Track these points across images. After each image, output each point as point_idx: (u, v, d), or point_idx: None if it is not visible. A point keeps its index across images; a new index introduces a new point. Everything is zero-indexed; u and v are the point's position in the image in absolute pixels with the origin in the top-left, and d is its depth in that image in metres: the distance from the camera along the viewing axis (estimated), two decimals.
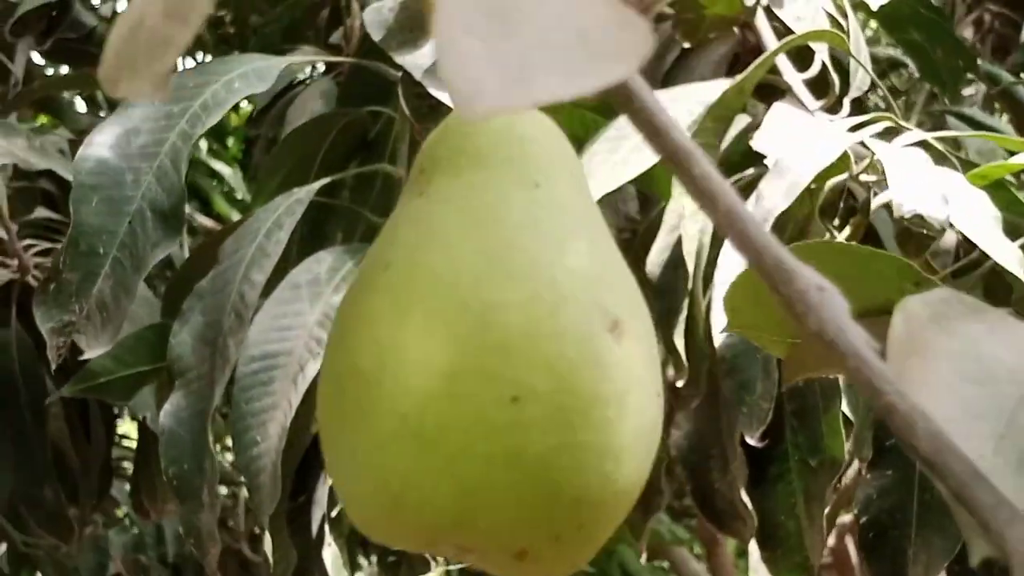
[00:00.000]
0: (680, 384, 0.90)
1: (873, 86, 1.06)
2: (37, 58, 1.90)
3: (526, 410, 0.33)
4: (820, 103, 0.99)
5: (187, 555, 2.57)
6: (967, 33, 1.97)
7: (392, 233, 0.37)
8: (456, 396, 0.33)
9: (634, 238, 1.11)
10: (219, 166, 2.50)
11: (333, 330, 0.37)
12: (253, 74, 0.98)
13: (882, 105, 1.19)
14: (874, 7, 1.19)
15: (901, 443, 0.28)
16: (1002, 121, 1.66)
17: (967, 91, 2.05)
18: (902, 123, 0.93)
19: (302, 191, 0.98)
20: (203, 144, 2.49)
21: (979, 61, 1.68)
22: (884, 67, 1.53)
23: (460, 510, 0.33)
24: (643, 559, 1.08)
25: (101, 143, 0.93)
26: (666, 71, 1.30)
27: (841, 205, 1.01)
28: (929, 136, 0.93)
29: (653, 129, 0.32)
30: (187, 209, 2.35)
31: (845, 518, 1.92)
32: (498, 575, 0.37)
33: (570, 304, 0.34)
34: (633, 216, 1.31)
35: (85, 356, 0.95)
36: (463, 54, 0.26)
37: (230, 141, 2.84)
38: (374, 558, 1.96)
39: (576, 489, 0.34)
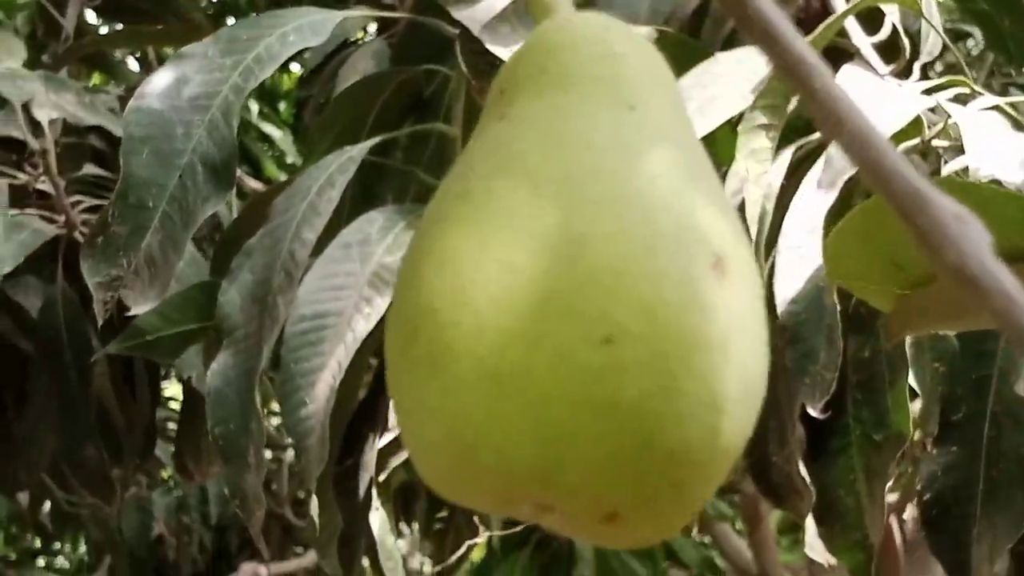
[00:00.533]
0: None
1: (944, 51, 1.02)
2: (92, 18, 1.89)
3: (619, 352, 0.29)
4: (890, 68, 0.96)
5: (231, 517, 2.58)
6: None
7: (469, 161, 0.34)
8: (541, 336, 0.30)
9: None
10: (270, 129, 2.49)
11: (403, 266, 0.34)
12: (308, 27, 0.95)
13: (950, 72, 1.15)
14: None
15: None
16: None
17: None
18: (976, 88, 0.90)
19: (354, 149, 0.95)
20: (254, 107, 2.48)
21: None
22: (951, 37, 1.49)
23: (542, 462, 0.30)
24: (695, 533, 1.05)
25: (152, 94, 0.91)
26: (727, 35, 1.27)
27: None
28: (1003, 101, 0.89)
29: (769, 38, 0.29)
30: (239, 173, 2.34)
31: (890, 497, 1.89)
32: (582, 537, 0.33)
33: (667, 237, 0.31)
34: None
35: (131, 313, 0.93)
36: None
37: (281, 105, 2.83)
38: (416, 525, 1.95)
39: (674, 443, 0.30)
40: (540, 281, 0.30)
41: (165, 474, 2.57)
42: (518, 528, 1.80)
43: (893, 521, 2.06)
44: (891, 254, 0.30)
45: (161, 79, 0.92)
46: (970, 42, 2.05)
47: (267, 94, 2.79)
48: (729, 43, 1.26)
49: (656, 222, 0.31)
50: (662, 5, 1.29)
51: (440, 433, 0.31)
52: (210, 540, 2.69)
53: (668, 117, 0.34)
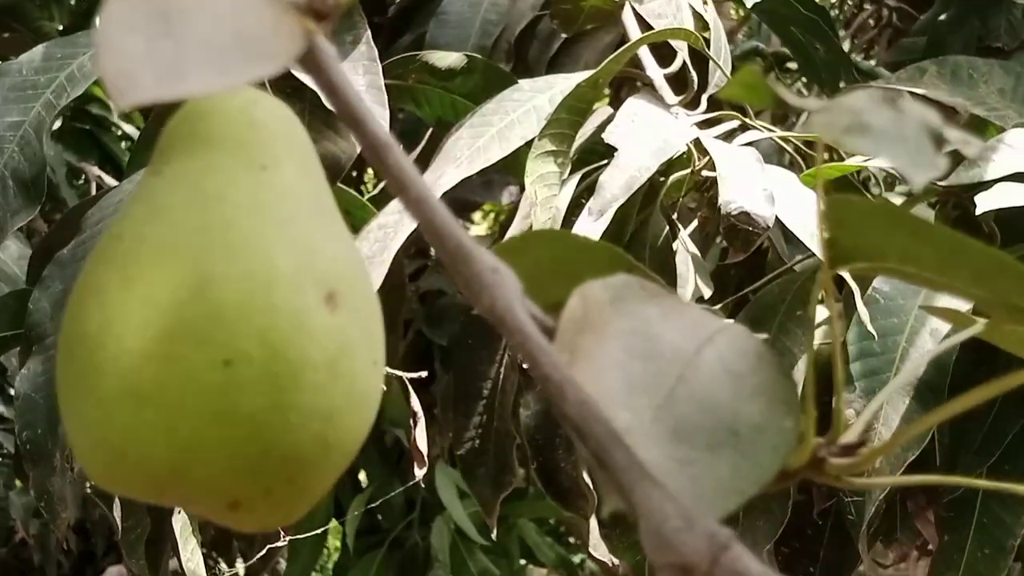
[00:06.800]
0: (527, 365, 0.93)
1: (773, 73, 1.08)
2: None
3: (238, 373, 0.36)
4: (679, 99, 1.02)
5: (95, 520, 2.57)
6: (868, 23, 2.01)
7: (128, 208, 0.40)
8: (172, 358, 0.35)
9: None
10: (132, 130, 2.49)
11: (70, 298, 0.40)
12: None
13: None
14: (748, 3, 1.22)
15: (555, 410, 0.32)
16: None
17: None
18: (749, 121, 0.96)
19: None
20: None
21: (861, 58, 1.72)
22: (772, 62, 1.57)
23: (176, 463, 0.36)
24: (494, 534, 1.10)
25: None
26: (552, 56, 1.33)
27: (705, 196, 1.04)
28: (776, 135, 0.96)
29: (353, 120, 0.35)
30: (98, 173, 2.32)
31: None
32: (217, 522, 0.40)
33: (285, 277, 0.37)
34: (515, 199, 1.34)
35: None
36: (122, 50, 0.28)
37: None
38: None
39: (286, 447, 0.36)
40: (174, 313, 0.36)
41: None
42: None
43: None
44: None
45: None
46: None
47: None
48: (554, 65, 1.32)
49: (277, 265, 0.37)
50: (491, 27, 1.34)
51: (94, 440, 0.37)
52: (74, 543, 2.68)
53: (298, 175, 0.41)
